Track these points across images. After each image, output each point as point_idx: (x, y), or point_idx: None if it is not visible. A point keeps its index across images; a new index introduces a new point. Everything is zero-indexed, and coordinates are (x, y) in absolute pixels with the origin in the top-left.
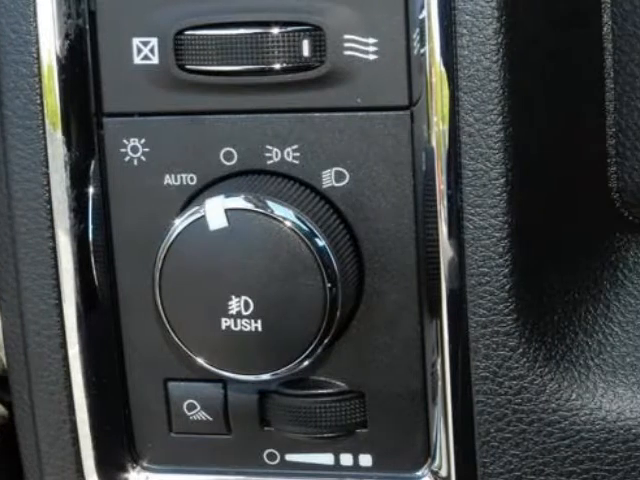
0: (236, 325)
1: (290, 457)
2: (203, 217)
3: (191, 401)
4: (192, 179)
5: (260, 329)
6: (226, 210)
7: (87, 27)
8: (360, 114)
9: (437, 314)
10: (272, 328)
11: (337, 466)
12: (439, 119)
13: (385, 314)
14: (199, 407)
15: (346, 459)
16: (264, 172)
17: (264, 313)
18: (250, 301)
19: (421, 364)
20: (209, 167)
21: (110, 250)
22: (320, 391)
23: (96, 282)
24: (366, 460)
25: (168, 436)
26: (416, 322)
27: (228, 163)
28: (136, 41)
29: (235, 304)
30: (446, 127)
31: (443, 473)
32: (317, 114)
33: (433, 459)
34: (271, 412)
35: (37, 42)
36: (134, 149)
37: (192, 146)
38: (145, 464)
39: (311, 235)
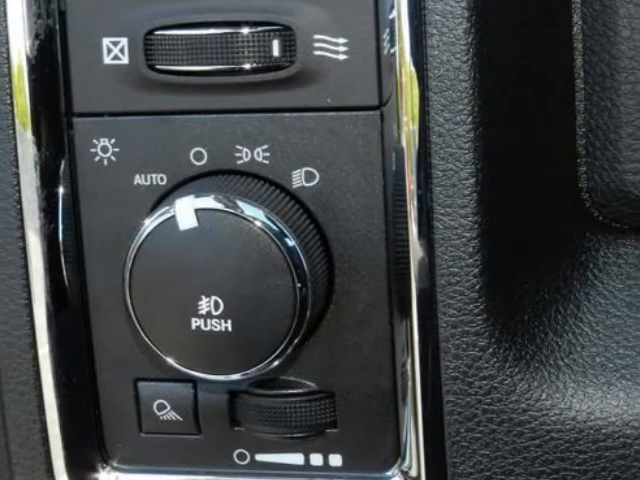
0: (206, 325)
1: (260, 457)
2: (173, 217)
3: (161, 401)
4: (162, 179)
5: (230, 329)
6: (196, 210)
7: (57, 27)
8: (330, 114)
9: (407, 314)
10: (242, 328)
11: (307, 466)
12: (409, 119)
13: (355, 314)
14: (169, 407)
15: (316, 459)
16: (234, 172)
17: (234, 313)
18: (220, 301)
19: (391, 364)
20: (179, 167)
21: (80, 250)
22: (290, 391)
23: (66, 282)
24: (336, 460)
25: (138, 436)
26: (386, 322)
27: (198, 163)
28: (106, 41)
29: (205, 304)
30: (416, 127)
31: (413, 473)
32: (287, 114)
33: (403, 459)
34: (241, 412)
35: (7, 42)
36: (104, 149)
37: (162, 146)
38: (115, 464)
39: (281, 235)
